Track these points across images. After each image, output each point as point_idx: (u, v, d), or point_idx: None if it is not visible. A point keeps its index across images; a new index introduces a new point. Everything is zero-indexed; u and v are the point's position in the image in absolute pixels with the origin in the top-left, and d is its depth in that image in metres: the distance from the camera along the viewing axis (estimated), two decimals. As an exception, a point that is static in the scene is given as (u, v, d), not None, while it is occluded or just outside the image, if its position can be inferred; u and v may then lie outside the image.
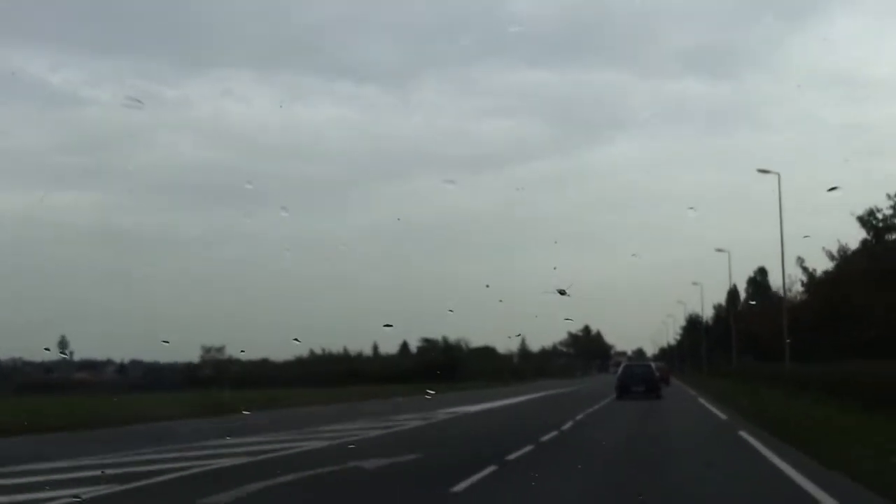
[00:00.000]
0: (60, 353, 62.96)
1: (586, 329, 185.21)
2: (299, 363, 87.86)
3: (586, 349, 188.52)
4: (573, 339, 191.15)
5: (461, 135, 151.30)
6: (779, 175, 44.32)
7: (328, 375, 79.20)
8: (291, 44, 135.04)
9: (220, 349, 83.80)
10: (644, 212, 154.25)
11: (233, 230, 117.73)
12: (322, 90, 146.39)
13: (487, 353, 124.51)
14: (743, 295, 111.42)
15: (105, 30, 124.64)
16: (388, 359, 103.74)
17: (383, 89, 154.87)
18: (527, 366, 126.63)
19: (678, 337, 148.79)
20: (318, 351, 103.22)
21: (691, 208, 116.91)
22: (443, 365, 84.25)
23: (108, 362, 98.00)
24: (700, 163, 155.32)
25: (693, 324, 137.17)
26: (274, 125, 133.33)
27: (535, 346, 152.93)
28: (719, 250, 69.75)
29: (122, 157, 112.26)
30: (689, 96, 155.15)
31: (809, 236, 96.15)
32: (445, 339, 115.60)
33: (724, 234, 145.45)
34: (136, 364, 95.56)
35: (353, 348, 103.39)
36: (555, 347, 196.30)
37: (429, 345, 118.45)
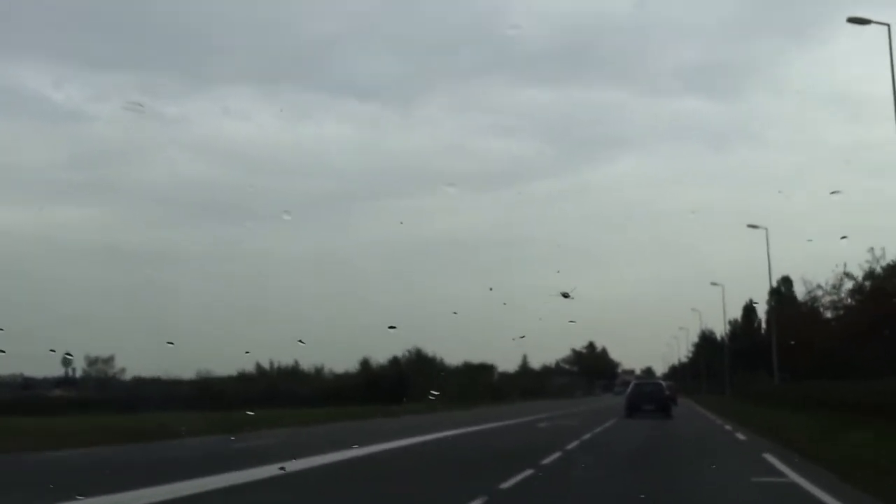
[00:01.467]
0: (64, 368, 58.44)
1: (590, 346, 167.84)
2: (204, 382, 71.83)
3: (591, 367, 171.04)
4: (577, 357, 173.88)
5: (463, 151, 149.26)
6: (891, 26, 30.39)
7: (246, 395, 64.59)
8: (293, 60, 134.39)
9: (108, 360, 67.90)
10: (646, 229, 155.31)
11: (235, 246, 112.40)
12: (324, 106, 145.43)
13: (471, 370, 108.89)
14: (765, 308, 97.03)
15: (107, 46, 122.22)
16: (342, 376, 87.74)
17: (385, 106, 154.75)
18: (512, 384, 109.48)
19: (690, 354, 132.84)
20: (265, 365, 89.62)
21: (693, 212, 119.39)
22: (391, 383, 68.24)
23: (112, 378, 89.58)
24: (701, 179, 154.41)
25: (707, 340, 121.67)
26: (276, 141, 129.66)
27: (538, 362, 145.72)
28: (752, 226, 55.03)
29: (123, 173, 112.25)
30: (689, 113, 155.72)
31: (812, 240, 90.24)
32: (419, 351, 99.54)
33: (727, 251, 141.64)
34: (138, 381, 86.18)
35: (342, 364, 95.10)
36: (557, 365, 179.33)
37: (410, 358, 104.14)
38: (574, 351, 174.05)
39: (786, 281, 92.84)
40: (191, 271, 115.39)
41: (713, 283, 79.16)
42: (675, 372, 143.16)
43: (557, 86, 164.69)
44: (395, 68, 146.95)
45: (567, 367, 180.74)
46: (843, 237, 74.80)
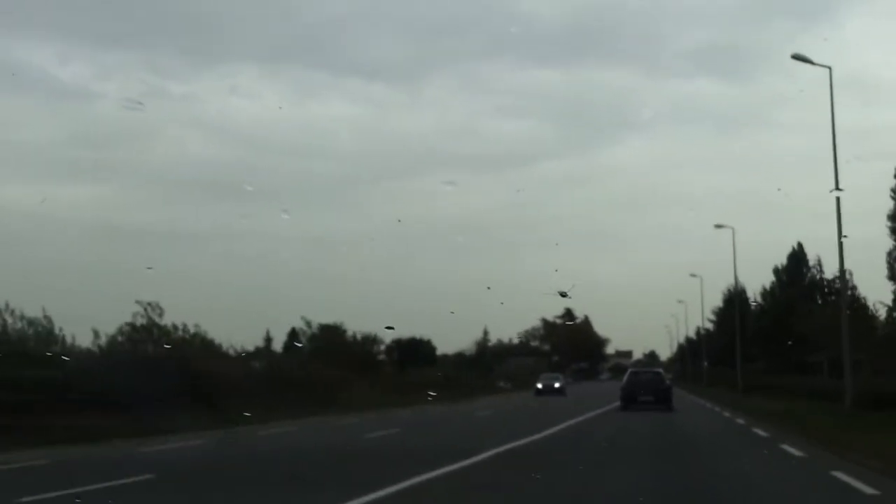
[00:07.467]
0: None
1: (568, 314, 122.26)
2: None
3: (569, 344, 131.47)
4: (549, 329, 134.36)
5: (470, 133, 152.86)
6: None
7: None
8: (300, 40, 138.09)
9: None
10: (653, 212, 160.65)
11: (239, 226, 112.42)
12: (330, 87, 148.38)
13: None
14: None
15: (113, 24, 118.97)
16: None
17: (392, 87, 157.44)
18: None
19: (709, 325, 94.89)
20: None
21: (691, 210, 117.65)
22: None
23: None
24: (710, 163, 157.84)
25: (734, 303, 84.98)
26: (282, 122, 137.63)
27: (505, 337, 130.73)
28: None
29: (128, 151, 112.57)
30: (700, 96, 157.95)
31: (802, 241, 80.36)
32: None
33: (726, 240, 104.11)
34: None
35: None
36: (527, 340, 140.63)
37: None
38: (545, 321, 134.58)
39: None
40: (194, 250, 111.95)
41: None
42: (685, 352, 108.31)
43: (566, 67, 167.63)
44: (403, 49, 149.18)
45: (536, 344, 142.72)
46: (844, 237, 60.99)
